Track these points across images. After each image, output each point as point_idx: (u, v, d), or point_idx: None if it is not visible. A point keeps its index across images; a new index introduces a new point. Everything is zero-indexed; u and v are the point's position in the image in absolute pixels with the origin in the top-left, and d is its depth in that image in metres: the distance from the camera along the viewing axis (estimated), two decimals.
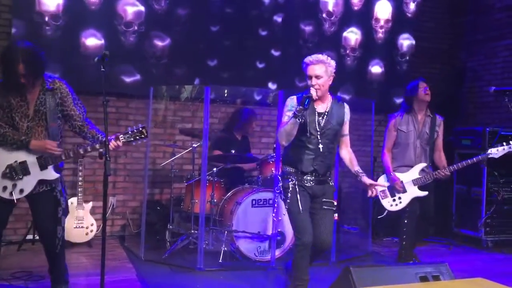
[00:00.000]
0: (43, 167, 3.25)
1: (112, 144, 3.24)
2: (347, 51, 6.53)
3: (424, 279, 2.57)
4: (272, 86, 6.11)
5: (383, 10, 6.70)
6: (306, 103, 3.24)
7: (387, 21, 6.71)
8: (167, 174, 5.67)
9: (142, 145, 5.56)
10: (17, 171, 3.23)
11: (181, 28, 5.70)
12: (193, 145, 5.15)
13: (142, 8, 5.53)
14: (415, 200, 4.57)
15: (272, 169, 4.95)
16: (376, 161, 6.67)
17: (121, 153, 5.68)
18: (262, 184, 4.98)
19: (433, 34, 7.17)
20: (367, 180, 3.58)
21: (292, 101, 3.49)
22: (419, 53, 6.98)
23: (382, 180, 4.67)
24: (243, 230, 4.61)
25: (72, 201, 4.99)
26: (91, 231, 5.10)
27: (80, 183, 5.09)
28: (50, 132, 3.27)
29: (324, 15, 6.37)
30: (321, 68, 3.41)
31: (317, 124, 3.45)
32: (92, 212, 5.22)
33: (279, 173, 3.71)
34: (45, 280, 3.80)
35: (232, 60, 5.90)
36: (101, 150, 3.14)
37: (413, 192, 4.57)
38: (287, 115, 3.41)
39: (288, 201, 3.45)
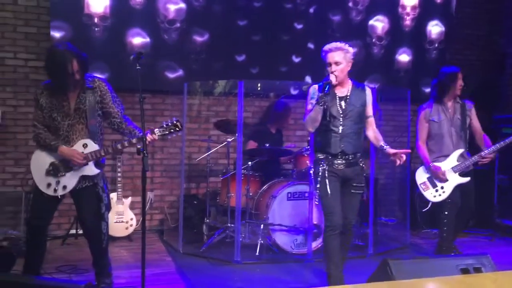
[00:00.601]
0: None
1: (149, 137, 3.31)
2: (374, 40, 6.41)
3: (465, 271, 2.51)
4: (308, 79, 6.09)
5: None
6: (326, 89, 3.38)
7: (414, 7, 6.55)
8: (202, 168, 5.74)
9: (178, 140, 5.65)
10: (60, 168, 3.34)
11: (217, 23, 5.77)
12: (228, 140, 5.19)
13: (183, 5, 5.64)
14: (457, 189, 4.45)
15: (307, 161, 4.94)
16: (413, 152, 6.55)
17: (157, 149, 5.79)
18: (297, 177, 4.97)
19: (471, 20, 6.95)
20: (390, 150, 3.66)
21: (314, 89, 3.63)
22: (455, 40, 6.79)
23: (421, 172, 4.56)
24: (279, 223, 4.62)
25: (112, 196, 5.13)
26: (131, 225, 5.23)
27: (119, 179, 5.22)
28: (90, 130, 3.37)
29: (350, 4, 6.29)
30: (339, 55, 3.54)
31: (339, 107, 3.59)
32: (131, 207, 5.34)
33: (311, 161, 3.80)
34: (89, 273, 3.92)
35: (267, 55, 5.90)
36: (138, 146, 3.20)
37: (455, 179, 4.45)
38: (311, 103, 3.57)
39: (318, 185, 3.58)
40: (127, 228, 5.21)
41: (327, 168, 3.57)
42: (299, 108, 6.17)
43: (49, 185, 3.34)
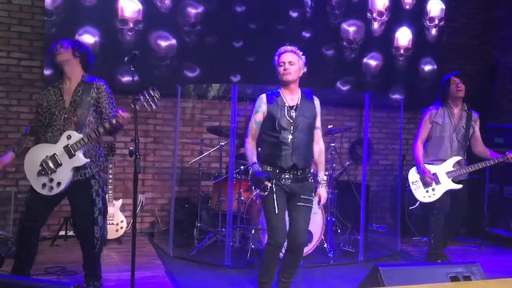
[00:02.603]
0: (70, 154, 3.33)
1: (119, 116, 3.28)
2: (399, 52, 6.43)
3: (455, 279, 2.52)
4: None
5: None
6: (258, 183, 3.33)
7: (381, 13, 6.50)
8: (195, 172, 5.73)
9: (171, 143, 5.64)
10: (49, 164, 3.34)
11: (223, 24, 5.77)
12: (221, 143, 5.19)
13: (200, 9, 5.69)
14: (447, 195, 4.47)
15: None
16: (405, 160, 6.58)
17: (150, 151, 5.77)
18: None
19: (464, 29, 7.02)
20: (324, 195, 3.55)
21: (261, 100, 3.47)
22: (450, 49, 6.85)
23: (413, 172, 4.58)
24: None
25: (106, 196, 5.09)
26: (121, 227, 5.20)
27: (110, 181, 5.19)
28: (76, 121, 3.38)
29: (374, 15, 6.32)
30: (294, 57, 3.44)
31: (288, 117, 3.41)
32: (122, 209, 5.31)
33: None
34: (78, 275, 3.90)
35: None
36: (131, 148, 3.15)
37: (447, 184, 4.47)
38: (257, 116, 3.46)
39: (264, 200, 3.40)
40: (117, 231, 5.18)
41: (274, 183, 3.36)
42: None
43: (44, 185, 3.33)
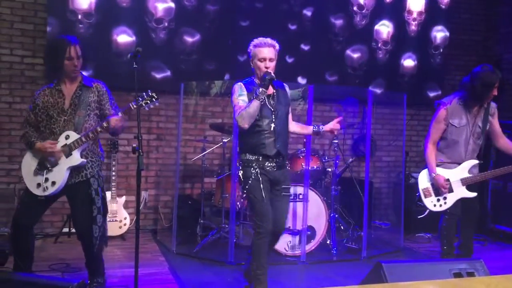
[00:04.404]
0: (67, 153, 3.32)
1: (112, 121, 3.26)
2: (379, 45, 6.43)
3: (458, 275, 2.52)
4: (301, 80, 6.09)
5: (416, 2, 6.56)
6: (269, 84, 3.38)
7: (420, 13, 6.58)
8: (197, 169, 5.73)
9: (174, 140, 5.64)
10: (46, 164, 3.34)
11: (210, 24, 5.74)
12: (224, 140, 5.19)
13: (172, 4, 5.59)
14: (459, 202, 4.05)
15: (302, 164, 4.94)
16: (408, 156, 6.58)
17: (153, 148, 5.78)
18: (291, 179, 4.97)
19: (468, 25, 7.00)
20: (326, 127, 3.72)
21: (240, 87, 3.52)
22: (454, 45, 6.82)
23: (425, 177, 4.12)
24: None
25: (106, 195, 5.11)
26: (124, 224, 5.21)
27: (113, 178, 5.20)
28: (75, 121, 3.36)
29: (355, 8, 6.30)
30: (273, 52, 3.49)
31: (269, 106, 3.50)
32: (125, 206, 5.33)
33: (239, 162, 3.68)
34: (82, 272, 3.90)
35: None
36: (134, 145, 3.17)
37: (460, 192, 4.02)
38: (241, 99, 3.46)
39: (248, 188, 3.45)
40: (120, 227, 5.19)
41: (259, 171, 3.45)
42: (294, 110, 6.19)
43: (38, 185, 3.33)
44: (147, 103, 3.30)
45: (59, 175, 3.32)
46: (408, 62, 6.58)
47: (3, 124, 5.24)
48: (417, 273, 2.54)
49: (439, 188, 4.01)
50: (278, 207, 3.53)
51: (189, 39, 5.69)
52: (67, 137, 3.34)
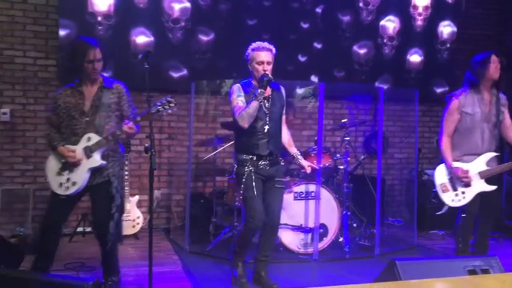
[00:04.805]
0: (88, 155, 3.39)
1: (125, 128, 3.31)
2: (385, 40, 6.39)
3: (472, 272, 2.50)
4: (314, 79, 6.08)
5: None
6: (267, 85, 3.53)
7: (426, 8, 6.51)
8: (209, 167, 5.75)
9: (185, 139, 5.67)
10: (68, 165, 3.41)
11: (224, 22, 5.77)
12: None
13: (188, 4, 5.65)
14: (478, 196, 3.95)
15: (314, 161, 4.93)
16: (421, 153, 6.53)
17: (164, 148, 5.81)
18: (303, 176, 4.97)
19: (480, 20, 6.92)
20: (305, 163, 3.88)
21: (239, 88, 3.67)
22: (464, 41, 6.75)
23: (442, 171, 4.03)
24: (285, 223, 4.62)
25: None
26: (138, 223, 5.25)
27: (126, 177, 5.24)
28: (96, 123, 3.42)
29: (361, 4, 6.26)
30: (270, 56, 3.65)
31: (264, 108, 3.65)
32: (138, 205, 5.36)
33: (234, 161, 3.89)
34: (96, 271, 3.95)
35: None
36: (146, 144, 3.20)
37: (479, 186, 3.93)
38: (239, 100, 3.61)
39: (243, 186, 3.64)
40: (134, 226, 5.23)
41: (253, 170, 3.63)
42: (305, 107, 6.18)
43: (60, 184, 3.42)
44: (165, 108, 3.35)
45: (80, 175, 3.40)
46: (415, 57, 6.52)
47: (17, 125, 5.31)
48: (431, 270, 2.53)
49: (459, 179, 3.91)
50: (272, 199, 3.72)
51: (204, 38, 5.74)
52: (88, 139, 3.41)
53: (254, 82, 3.70)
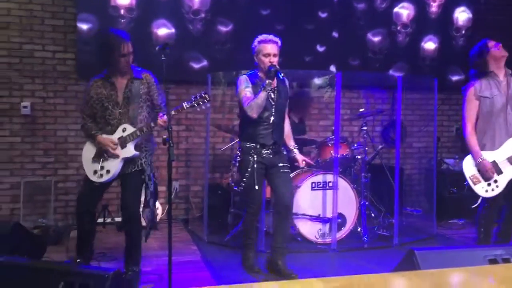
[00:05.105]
0: (122, 146, 3.52)
1: (159, 121, 3.45)
2: (399, 28, 6.29)
3: (493, 261, 2.47)
4: (333, 69, 6.05)
5: None
6: (276, 76, 3.61)
7: None
8: (227, 158, 5.78)
9: (203, 130, 5.69)
10: (103, 154, 3.54)
11: (241, 13, 5.77)
12: None
13: None
14: (509, 185, 3.81)
15: (331, 151, 4.92)
16: (439, 142, 6.46)
17: (182, 139, 5.85)
18: (321, 167, 4.96)
19: (498, 4, 6.76)
20: (299, 157, 3.98)
21: (246, 79, 3.76)
22: (480, 26, 6.61)
23: (470, 163, 3.90)
24: (303, 213, 4.63)
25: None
26: (157, 214, 5.29)
27: None
28: (129, 115, 3.54)
29: None
30: (276, 48, 3.73)
31: (270, 99, 3.74)
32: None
33: (238, 148, 4.00)
34: (117, 261, 4.01)
35: (290, 44, 5.86)
36: (164, 136, 3.23)
37: (511, 171, 3.79)
38: (247, 91, 3.70)
39: (246, 174, 3.75)
40: None
41: (256, 158, 3.72)
42: (322, 97, 6.15)
43: (95, 172, 3.56)
44: (200, 103, 3.46)
45: (114, 164, 3.53)
46: (429, 44, 6.42)
47: (37, 119, 5.40)
48: (450, 260, 2.50)
49: (487, 174, 3.81)
50: (279, 183, 3.81)
51: (223, 29, 5.76)
52: (124, 130, 3.53)
53: (260, 74, 3.78)
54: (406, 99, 6.11)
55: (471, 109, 3.89)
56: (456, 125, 6.68)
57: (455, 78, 6.52)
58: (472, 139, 3.86)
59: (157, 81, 3.66)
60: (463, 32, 6.51)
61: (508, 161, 3.79)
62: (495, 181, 3.81)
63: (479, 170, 3.84)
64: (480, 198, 3.92)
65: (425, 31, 6.40)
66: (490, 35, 6.62)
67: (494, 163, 3.81)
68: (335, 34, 6.07)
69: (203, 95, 3.47)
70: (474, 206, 4.03)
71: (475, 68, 3.99)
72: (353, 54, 6.18)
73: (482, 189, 3.84)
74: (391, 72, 6.21)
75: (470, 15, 6.49)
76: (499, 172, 3.80)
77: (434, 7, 6.39)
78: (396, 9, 6.27)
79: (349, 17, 6.11)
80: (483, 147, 3.88)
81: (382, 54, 6.27)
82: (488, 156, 3.83)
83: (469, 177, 3.87)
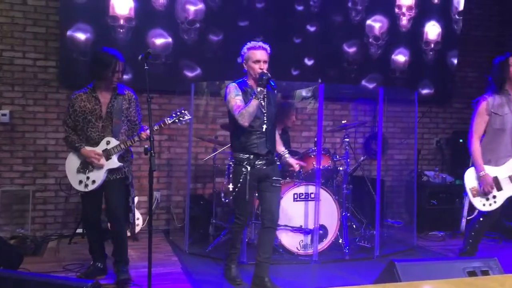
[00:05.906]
0: (107, 158, 3.70)
1: (143, 135, 3.71)
2: (370, 39, 6.35)
3: (472, 274, 2.49)
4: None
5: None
6: (266, 83, 3.53)
7: (409, 8, 6.46)
8: (209, 169, 5.75)
9: (185, 140, 5.67)
10: (88, 165, 3.72)
11: (230, 25, 5.81)
12: None
13: (202, 6, 5.71)
14: (505, 201, 3.93)
15: (313, 162, 4.93)
16: (420, 154, 6.54)
17: (164, 149, 5.81)
18: (303, 178, 4.97)
19: (480, 21, 6.92)
20: (292, 161, 3.99)
21: (235, 87, 3.69)
22: (466, 42, 6.76)
23: (472, 175, 3.98)
24: (285, 224, 4.62)
25: None
26: (137, 225, 5.24)
27: None
28: (113, 129, 3.71)
29: (349, 4, 6.23)
30: (265, 54, 3.67)
31: (261, 107, 3.69)
32: (138, 206, 5.35)
33: (230, 159, 4.02)
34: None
35: (279, 57, 5.89)
36: (146, 145, 3.22)
37: (510, 190, 3.89)
38: (238, 99, 3.63)
39: (238, 185, 3.69)
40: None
41: (249, 170, 3.66)
42: (305, 108, 6.18)
43: (80, 182, 3.74)
44: (180, 119, 3.66)
45: (99, 175, 3.72)
46: (400, 57, 6.44)
47: (16, 127, 5.31)
48: (430, 271, 2.52)
49: (487, 188, 3.88)
50: (269, 197, 3.76)
51: (214, 38, 5.80)
52: (108, 143, 3.70)
53: (249, 81, 3.73)
54: (387, 111, 6.18)
55: (480, 123, 3.96)
56: (436, 137, 6.78)
57: (425, 91, 6.57)
58: (477, 152, 3.93)
59: (137, 99, 3.86)
60: (432, 46, 6.58)
61: (510, 179, 3.88)
62: (494, 197, 3.89)
63: (480, 183, 3.91)
64: (476, 211, 4.01)
65: (396, 44, 6.43)
66: (462, 50, 6.80)
67: (496, 179, 3.88)
68: (319, 46, 6.11)
69: (182, 111, 3.69)
70: (469, 218, 4.13)
71: (492, 78, 4.04)
72: (330, 65, 6.22)
73: (480, 203, 3.92)
74: (363, 82, 6.26)
75: (440, 30, 6.57)
76: (499, 188, 3.88)
77: (404, 21, 6.46)
78: (368, 22, 6.33)
79: (328, 29, 6.16)
80: (487, 162, 3.95)
81: (356, 65, 6.32)
82: (490, 171, 3.90)
83: (469, 189, 3.95)
